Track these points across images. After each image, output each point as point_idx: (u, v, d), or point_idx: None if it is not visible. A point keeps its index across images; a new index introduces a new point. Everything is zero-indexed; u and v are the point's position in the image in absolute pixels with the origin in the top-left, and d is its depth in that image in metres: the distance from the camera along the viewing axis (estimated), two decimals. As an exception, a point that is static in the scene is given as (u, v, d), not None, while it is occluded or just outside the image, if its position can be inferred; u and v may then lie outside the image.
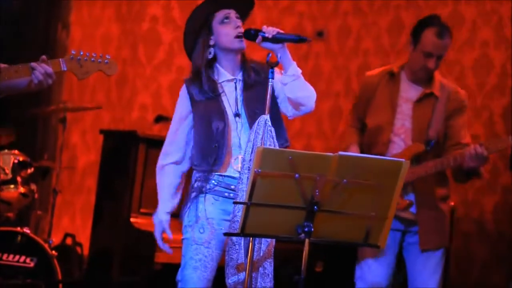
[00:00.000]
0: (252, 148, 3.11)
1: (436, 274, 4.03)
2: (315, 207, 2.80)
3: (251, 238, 3.04)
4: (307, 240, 2.82)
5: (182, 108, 3.36)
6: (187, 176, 3.41)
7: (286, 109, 3.31)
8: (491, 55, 6.06)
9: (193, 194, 3.30)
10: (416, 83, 4.08)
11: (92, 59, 3.27)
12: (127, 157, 5.44)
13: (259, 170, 2.74)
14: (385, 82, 4.11)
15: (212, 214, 3.27)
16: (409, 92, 4.08)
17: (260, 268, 3.16)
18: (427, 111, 4.04)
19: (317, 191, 2.78)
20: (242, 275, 3.14)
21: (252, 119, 3.23)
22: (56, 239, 5.66)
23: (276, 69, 3.22)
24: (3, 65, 3.15)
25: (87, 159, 7.22)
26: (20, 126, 5.57)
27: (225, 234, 3.08)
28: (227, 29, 3.29)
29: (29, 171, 5.09)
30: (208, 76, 3.30)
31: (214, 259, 3.26)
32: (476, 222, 5.97)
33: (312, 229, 2.81)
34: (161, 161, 3.40)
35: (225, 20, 3.30)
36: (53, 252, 4.93)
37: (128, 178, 5.39)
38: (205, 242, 3.25)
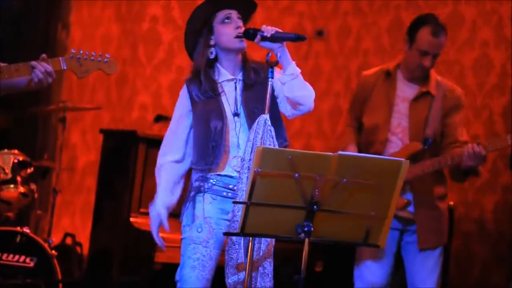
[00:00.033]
0: (252, 148, 3.11)
1: (434, 273, 4.04)
2: (315, 206, 2.80)
3: (250, 238, 3.04)
4: (306, 240, 2.82)
5: (181, 107, 3.37)
6: (187, 176, 3.41)
7: (285, 109, 3.31)
8: (491, 55, 6.06)
9: (192, 194, 3.31)
10: (412, 82, 4.09)
11: (92, 58, 3.27)
12: (127, 157, 5.44)
13: (259, 170, 2.74)
14: (382, 81, 4.12)
15: (210, 213, 3.27)
16: (405, 91, 4.08)
17: (260, 268, 3.16)
18: (423, 110, 4.04)
19: (316, 190, 2.78)
20: (242, 275, 3.14)
21: (251, 119, 3.23)
22: (56, 239, 5.66)
23: (276, 69, 3.22)
24: (3, 64, 3.15)
25: (87, 159, 7.22)
26: (20, 125, 5.57)
27: (225, 233, 3.08)
28: (227, 29, 3.30)
29: (29, 170, 5.09)
30: (208, 76, 3.31)
31: (213, 259, 3.26)
32: (476, 222, 5.97)
33: (312, 229, 2.81)
34: (160, 160, 3.40)
35: (226, 20, 3.31)
36: (53, 252, 4.93)
37: (128, 178, 5.38)
38: (203, 241, 3.25)
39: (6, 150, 5.04)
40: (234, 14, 3.31)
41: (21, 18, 6.28)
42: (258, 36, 3.19)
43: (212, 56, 3.32)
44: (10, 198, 5.00)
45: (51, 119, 6.39)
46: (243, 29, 3.28)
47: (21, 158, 5.04)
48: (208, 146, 3.26)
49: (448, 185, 4.20)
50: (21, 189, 5.00)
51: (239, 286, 3.17)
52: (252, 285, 3.11)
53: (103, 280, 5.43)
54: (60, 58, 3.22)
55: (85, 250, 6.02)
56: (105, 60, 3.30)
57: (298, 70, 3.23)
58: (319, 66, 7.13)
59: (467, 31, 6.16)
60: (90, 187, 6.92)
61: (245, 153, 3.15)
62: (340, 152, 2.80)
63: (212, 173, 3.27)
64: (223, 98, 3.31)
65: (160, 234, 3.37)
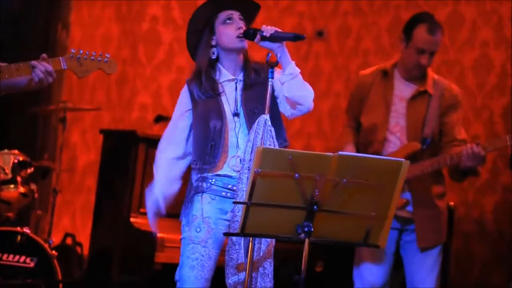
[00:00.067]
0: (252, 148, 3.12)
1: (433, 272, 4.04)
2: (315, 207, 2.80)
3: (251, 238, 3.05)
4: (307, 240, 2.82)
5: (182, 105, 3.37)
6: (187, 176, 3.41)
7: (285, 109, 3.31)
8: (491, 55, 6.06)
9: (191, 194, 3.31)
10: (410, 80, 4.09)
11: (92, 57, 3.28)
12: (127, 157, 5.44)
13: (259, 170, 2.74)
14: (379, 80, 4.13)
15: (209, 213, 3.27)
16: (402, 90, 4.09)
17: (260, 268, 3.16)
18: (421, 109, 4.05)
19: (317, 191, 2.78)
20: (242, 275, 3.14)
21: (250, 119, 3.24)
22: (56, 239, 5.66)
23: (277, 69, 3.23)
24: (3, 64, 3.15)
25: (87, 159, 7.22)
26: (20, 126, 5.57)
27: (225, 234, 3.08)
28: (228, 29, 3.30)
29: (29, 170, 5.09)
30: (209, 76, 3.31)
31: (212, 258, 3.26)
32: (476, 222, 5.97)
33: (312, 229, 2.81)
34: (159, 155, 3.39)
35: (228, 21, 3.31)
36: (53, 252, 4.93)
37: (128, 178, 5.38)
38: (202, 241, 3.25)
39: (6, 150, 5.04)
40: (236, 15, 3.32)
41: (21, 18, 6.28)
42: (258, 36, 3.21)
43: (214, 57, 3.33)
44: (10, 198, 5.00)
45: (51, 119, 6.39)
46: (243, 29, 3.29)
47: (21, 158, 5.04)
48: (207, 145, 3.26)
49: (448, 185, 4.21)
50: (21, 189, 5.00)
51: (239, 286, 3.17)
52: (253, 286, 3.11)
53: (103, 280, 5.43)
54: (60, 58, 3.23)
55: (85, 250, 6.02)
56: (105, 60, 3.31)
57: (298, 70, 3.23)
58: (319, 66, 7.12)
59: (467, 31, 6.16)
60: (90, 187, 6.92)
61: (245, 153, 3.15)
62: (340, 152, 2.80)
63: (211, 173, 3.27)
64: (223, 98, 3.32)
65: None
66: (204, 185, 3.28)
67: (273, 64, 3.17)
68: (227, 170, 3.27)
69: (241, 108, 3.30)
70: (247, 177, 3.04)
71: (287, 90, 3.24)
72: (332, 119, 6.98)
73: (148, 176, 5.25)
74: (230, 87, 3.33)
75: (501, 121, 5.94)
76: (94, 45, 7.20)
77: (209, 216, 3.27)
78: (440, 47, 4.14)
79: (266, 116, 3.13)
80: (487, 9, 6.09)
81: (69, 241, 6.12)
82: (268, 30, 3.20)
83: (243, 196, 3.00)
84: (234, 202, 3.06)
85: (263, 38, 3.20)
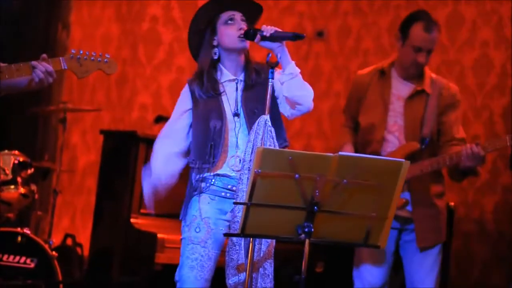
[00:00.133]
0: (252, 148, 3.12)
1: (433, 272, 4.04)
2: (315, 207, 2.80)
3: (251, 239, 3.05)
4: (307, 241, 2.82)
5: (182, 104, 3.38)
6: (187, 176, 3.41)
7: (284, 109, 3.32)
8: (491, 55, 6.06)
9: (190, 194, 3.31)
10: (407, 80, 4.09)
11: (92, 58, 3.28)
12: (127, 157, 5.44)
13: (259, 171, 2.74)
14: (376, 80, 4.13)
15: (208, 214, 3.27)
16: (400, 89, 4.09)
17: (261, 269, 3.16)
18: (419, 108, 4.05)
19: (317, 191, 2.78)
20: (242, 276, 3.14)
21: (250, 119, 3.24)
22: (56, 240, 5.66)
23: (277, 69, 3.23)
24: (3, 64, 3.15)
25: (87, 159, 7.22)
26: (20, 126, 5.56)
27: (225, 234, 3.09)
28: (230, 30, 3.31)
29: (29, 171, 5.08)
30: (210, 76, 3.32)
31: (211, 259, 3.26)
32: (476, 222, 5.97)
33: (312, 230, 2.81)
34: (156, 150, 3.39)
35: (229, 22, 3.31)
36: (54, 252, 4.92)
37: (128, 178, 5.38)
38: (201, 241, 3.25)
39: (6, 151, 5.04)
40: (237, 15, 3.32)
41: (21, 18, 6.28)
42: (258, 36, 3.21)
43: (215, 57, 3.34)
44: (10, 199, 5.00)
45: (51, 120, 6.39)
46: (244, 29, 3.29)
47: (21, 159, 5.04)
48: (207, 145, 3.27)
49: (448, 185, 4.20)
50: (22, 190, 5.00)
51: (240, 287, 3.17)
52: (253, 286, 3.11)
53: (104, 280, 5.43)
54: (61, 58, 3.23)
55: (86, 251, 6.02)
56: (105, 60, 3.31)
57: (298, 70, 3.24)
58: (319, 67, 7.12)
59: (467, 31, 6.16)
60: (91, 187, 6.92)
61: (245, 153, 3.15)
62: (340, 153, 2.80)
63: (211, 173, 3.27)
64: (224, 98, 3.32)
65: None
66: (204, 185, 3.28)
67: (273, 65, 3.17)
68: (227, 169, 3.27)
69: (241, 108, 3.30)
70: (247, 178, 3.04)
71: (287, 90, 3.24)
72: (332, 119, 6.98)
73: (148, 177, 5.25)
74: (230, 87, 3.34)
75: (501, 121, 5.94)
76: (94, 45, 7.20)
77: (208, 216, 3.27)
78: (440, 47, 4.15)
79: (266, 117, 3.14)
80: (487, 9, 6.09)
81: (69, 241, 6.12)
82: (268, 30, 3.20)
83: (243, 196, 3.00)
84: (234, 203, 3.06)
85: (263, 38, 3.20)
